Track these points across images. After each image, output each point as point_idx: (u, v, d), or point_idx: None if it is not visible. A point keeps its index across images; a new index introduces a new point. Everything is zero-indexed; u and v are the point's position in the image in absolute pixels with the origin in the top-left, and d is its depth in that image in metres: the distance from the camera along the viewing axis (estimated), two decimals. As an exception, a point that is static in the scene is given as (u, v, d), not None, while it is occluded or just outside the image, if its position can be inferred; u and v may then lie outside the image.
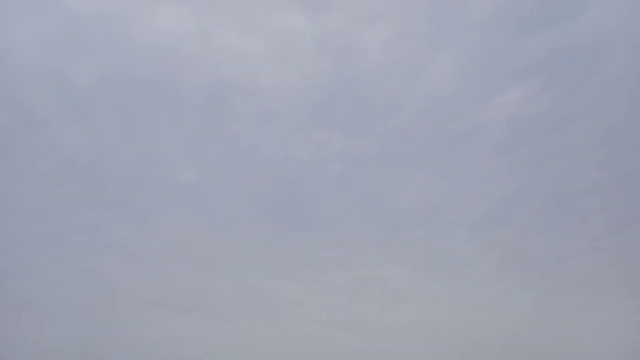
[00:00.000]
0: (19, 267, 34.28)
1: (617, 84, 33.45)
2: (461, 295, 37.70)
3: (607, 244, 36.11)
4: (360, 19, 33.66)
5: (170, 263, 36.84)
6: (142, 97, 34.61)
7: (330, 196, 38.09)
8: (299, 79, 35.25)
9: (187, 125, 35.75)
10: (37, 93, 33.11)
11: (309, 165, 37.31)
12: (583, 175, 35.86)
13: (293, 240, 37.87)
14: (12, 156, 33.90)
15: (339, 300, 37.83)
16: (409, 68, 34.88)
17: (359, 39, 34.18)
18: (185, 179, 36.78)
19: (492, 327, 36.86)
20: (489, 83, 34.95)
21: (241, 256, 37.60)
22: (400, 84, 35.37)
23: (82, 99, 33.87)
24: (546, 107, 34.88)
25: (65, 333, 33.97)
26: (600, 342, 34.87)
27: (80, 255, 35.36)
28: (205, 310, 36.83)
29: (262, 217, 37.88)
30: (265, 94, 35.45)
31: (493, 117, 35.85)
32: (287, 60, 34.85)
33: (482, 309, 37.23)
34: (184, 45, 33.64)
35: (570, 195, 36.42)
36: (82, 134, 34.68)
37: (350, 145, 37.02)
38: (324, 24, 33.71)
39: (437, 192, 37.95)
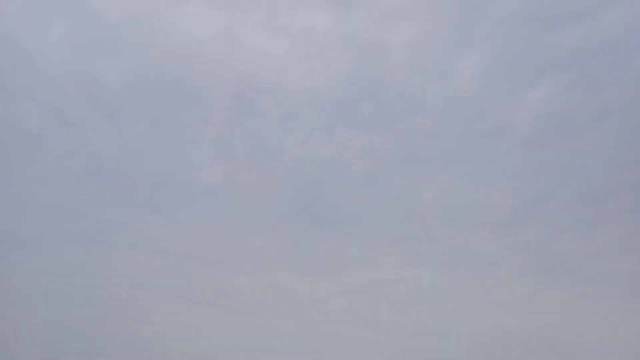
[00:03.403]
0: (49, 263, 35.32)
1: (648, 81, 32.51)
2: (486, 295, 37.30)
3: (636, 245, 35.23)
4: (384, 17, 33.47)
5: (196, 260, 37.46)
6: (168, 98, 35.20)
7: (354, 195, 38.09)
8: (323, 78, 35.29)
9: (212, 125, 36.22)
10: (66, 94, 33.99)
11: (333, 163, 37.38)
12: (612, 174, 35.00)
13: (317, 239, 38.03)
14: (43, 157, 34.92)
15: (362, 300, 37.88)
16: (433, 66, 34.56)
17: (383, 37, 34.00)
18: (210, 178, 37.30)
19: (517, 327, 36.38)
20: (516, 80, 34.37)
21: (265, 254, 37.96)
22: (424, 82, 35.08)
23: (110, 100, 34.65)
24: (575, 104, 34.15)
25: (93, 329, 34.88)
26: (628, 344, 34.10)
27: (108, 252, 36.26)
28: (230, 307, 37.34)
29: (286, 216, 38.15)
30: (289, 94, 35.61)
31: (520, 114, 35.26)
32: (311, 60, 34.93)
33: (507, 309, 36.77)
34: (208, 46, 34.04)
35: (599, 195, 35.61)
36: (111, 135, 35.51)
37: (374, 143, 36.93)
38: (348, 22, 33.64)
39: (462, 191, 37.57)
